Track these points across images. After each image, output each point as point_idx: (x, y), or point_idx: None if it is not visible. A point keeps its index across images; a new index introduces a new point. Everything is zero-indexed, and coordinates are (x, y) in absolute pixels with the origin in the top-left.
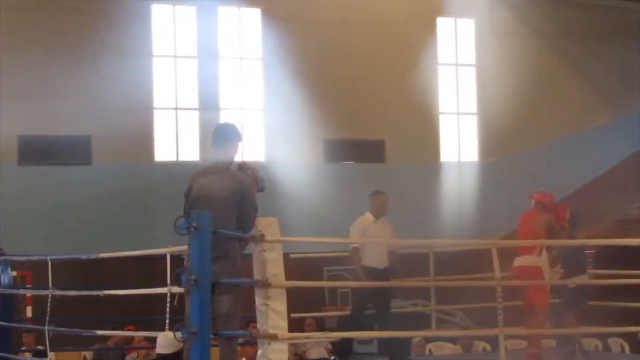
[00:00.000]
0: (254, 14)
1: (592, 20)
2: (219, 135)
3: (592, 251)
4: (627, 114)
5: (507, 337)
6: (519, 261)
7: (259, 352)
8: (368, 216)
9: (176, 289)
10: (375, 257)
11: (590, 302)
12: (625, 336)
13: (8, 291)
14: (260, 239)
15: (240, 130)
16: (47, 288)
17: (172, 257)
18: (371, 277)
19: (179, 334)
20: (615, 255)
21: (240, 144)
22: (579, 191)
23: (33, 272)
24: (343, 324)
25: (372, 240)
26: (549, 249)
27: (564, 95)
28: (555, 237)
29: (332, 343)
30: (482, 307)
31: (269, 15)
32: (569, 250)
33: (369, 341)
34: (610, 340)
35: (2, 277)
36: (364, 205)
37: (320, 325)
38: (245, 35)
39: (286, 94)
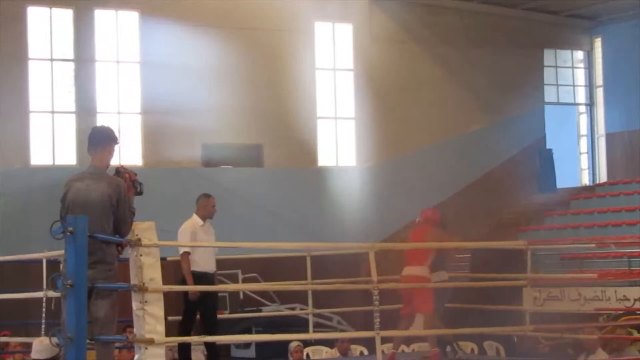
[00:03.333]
0: (132, 17)
1: (469, 26)
2: (94, 138)
3: (468, 255)
4: (503, 119)
5: (385, 341)
6: (408, 270)
7: (136, 356)
8: (196, 219)
9: (52, 294)
10: (205, 262)
11: (448, 304)
12: (500, 339)
13: None
14: (137, 243)
15: (116, 134)
16: None
17: (48, 261)
18: (202, 283)
19: (54, 339)
20: (490, 258)
21: (116, 147)
22: (456, 195)
23: None
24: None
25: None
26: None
27: (442, 100)
28: (443, 251)
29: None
30: (359, 311)
31: (147, 18)
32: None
33: (246, 345)
34: (485, 343)
35: None
36: (242, 210)
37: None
38: (123, 38)
39: (164, 98)
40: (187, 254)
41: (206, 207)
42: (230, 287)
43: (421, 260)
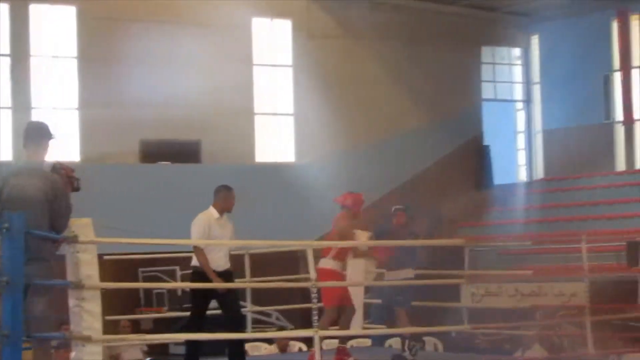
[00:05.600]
0: (69, 12)
1: (408, 23)
2: (30, 134)
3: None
4: (441, 115)
5: (323, 337)
6: (319, 263)
7: (73, 354)
8: (212, 212)
9: None
10: (216, 259)
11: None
12: (438, 335)
13: None
14: (74, 240)
15: (51, 129)
16: None
17: None
18: (207, 280)
19: None
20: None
21: (52, 143)
22: (394, 192)
23: None
24: (187, 326)
25: (196, 242)
26: (353, 249)
27: (380, 97)
28: (348, 238)
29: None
30: (298, 308)
31: (84, 13)
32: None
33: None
34: (424, 339)
35: None
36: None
37: (136, 327)
38: (60, 33)
39: (102, 94)
40: (200, 248)
41: (227, 200)
42: (168, 284)
43: (326, 251)
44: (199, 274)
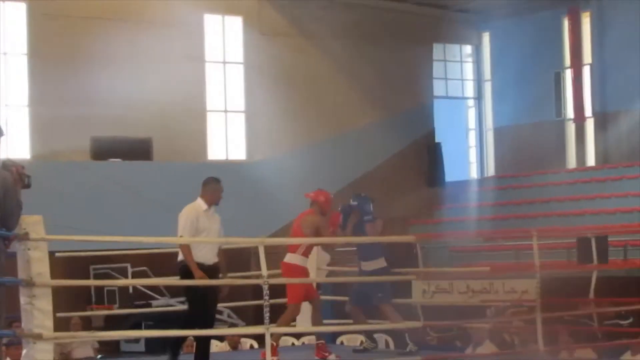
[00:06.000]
0: (19, 8)
1: (359, 20)
2: None
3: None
4: (393, 112)
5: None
6: (285, 258)
7: (24, 352)
8: (200, 204)
9: None
10: (204, 252)
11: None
12: (389, 332)
13: None
14: (25, 237)
15: (2, 126)
16: None
17: None
18: (194, 276)
19: None
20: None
21: (3, 140)
22: (346, 189)
23: None
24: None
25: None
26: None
27: (332, 95)
28: (324, 235)
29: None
30: (250, 306)
31: (34, 10)
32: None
33: (136, 340)
34: (375, 335)
35: None
36: (132, 203)
37: (87, 325)
38: (10, 30)
39: (53, 90)
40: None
41: (215, 192)
42: (120, 282)
43: (294, 247)
44: (188, 270)
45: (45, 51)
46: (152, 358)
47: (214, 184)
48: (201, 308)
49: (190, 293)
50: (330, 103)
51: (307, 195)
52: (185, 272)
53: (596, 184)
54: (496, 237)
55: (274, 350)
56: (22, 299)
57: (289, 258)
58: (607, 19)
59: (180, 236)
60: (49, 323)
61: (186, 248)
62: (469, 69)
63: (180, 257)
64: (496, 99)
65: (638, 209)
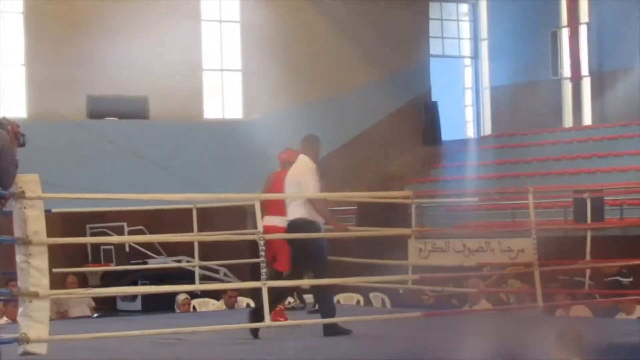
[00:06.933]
0: None
1: None
2: None
3: (355, 207)
4: (389, 71)
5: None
6: (267, 221)
7: (20, 310)
8: (310, 160)
9: None
10: (309, 209)
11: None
12: (386, 291)
13: None
14: (21, 196)
15: None
16: None
17: None
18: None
19: None
20: (377, 211)
21: None
22: (343, 148)
23: None
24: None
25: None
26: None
27: (328, 53)
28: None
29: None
30: (245, 263)
31: None
32: None
33: (132, 298)
34: (371, 295)
35: None
36: (128, 162)
37: (83, 284)
38: None
39: (48, 50)
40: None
41: (319, 150)
42: (116, 239)
43: (281, 210)
44: (308, 225)
45: (42, 10)
46: (149, 316)
47: (319, 142)
48: (326, 258)
49: (314, 246)
50: (326, 62)
51: (279, 156)
52: (302, 229)
53: (593, 143)
54: (492, 196)
55: (281, 313)
56: (18, 258)
57: (277, 221)
58: None
59: (316, 192)
60: (45, 281)
61: (323, 203)
62: (465, 27)
63: (292, 215)
64: (493, 58)
65: (635, 168)
